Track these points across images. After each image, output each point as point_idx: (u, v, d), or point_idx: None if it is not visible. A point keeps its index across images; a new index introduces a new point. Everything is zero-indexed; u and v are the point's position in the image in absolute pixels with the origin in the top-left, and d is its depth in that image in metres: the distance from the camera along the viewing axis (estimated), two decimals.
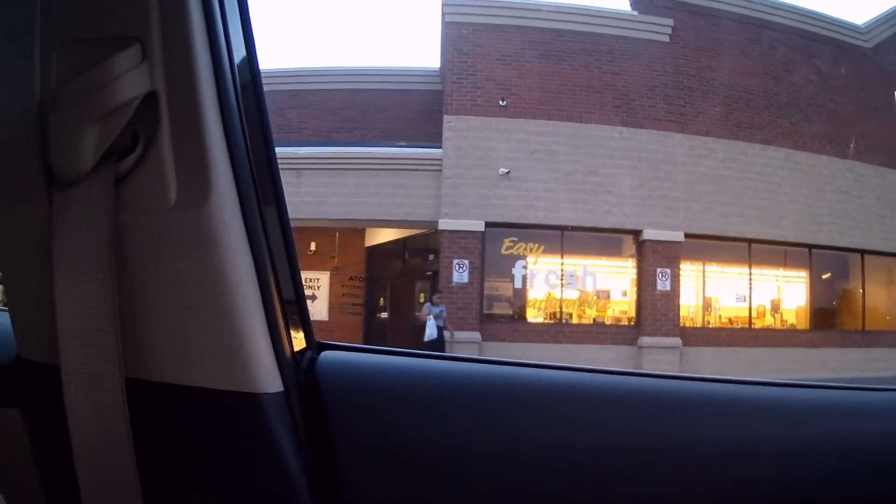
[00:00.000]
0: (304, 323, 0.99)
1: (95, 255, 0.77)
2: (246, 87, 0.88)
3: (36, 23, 0.79)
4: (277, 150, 0.94)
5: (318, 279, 17.11)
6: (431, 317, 14.47)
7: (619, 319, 16.55)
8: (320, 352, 1.01)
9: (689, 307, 16.82)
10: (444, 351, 13.75)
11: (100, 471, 0.79)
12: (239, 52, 0.87)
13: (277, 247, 0.91)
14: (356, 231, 17.43)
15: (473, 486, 0.94)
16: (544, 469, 0.95)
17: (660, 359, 15.27)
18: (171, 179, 0.80)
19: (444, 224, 15.36)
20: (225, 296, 0.82)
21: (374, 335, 17.68)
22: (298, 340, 0.97)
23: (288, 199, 0.94)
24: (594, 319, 16.35)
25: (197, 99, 0.80)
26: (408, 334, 17.05)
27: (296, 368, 0.94)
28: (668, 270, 15.85)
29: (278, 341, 0.88)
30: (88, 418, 0.78)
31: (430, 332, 14.39)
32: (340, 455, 0.92)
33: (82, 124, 0.76)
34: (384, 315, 18.28)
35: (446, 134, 15.71)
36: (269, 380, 0.86)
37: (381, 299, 18.47)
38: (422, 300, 17.51)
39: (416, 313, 16.16)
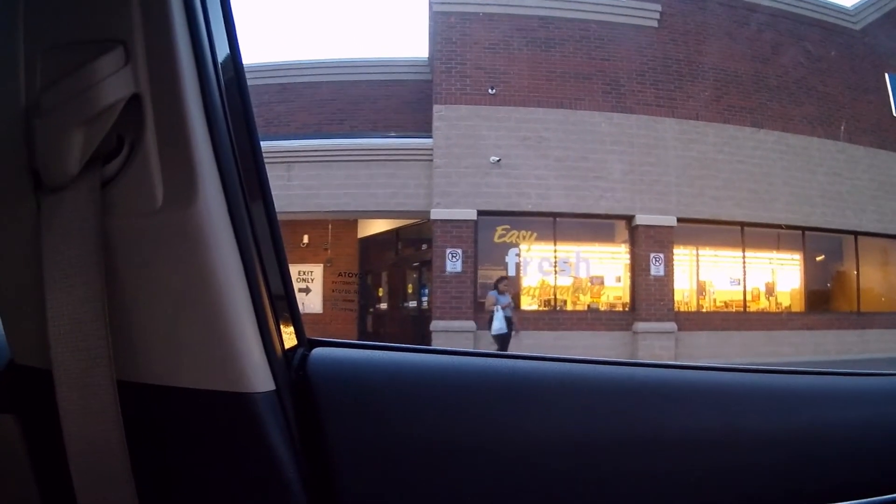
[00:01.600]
0: (295, 320, 0.99)
1: (84, 258, 0.77)
2: (230, 86, 0.88)
3: (19, 27, 0.79)
4: (267, 144, 0.94)
5: (311, 272, 17.06)
6: (499, 307, 12.50)
7: (613, 305, 16.50)
8: (311, 348, 1.01)
9: (684, 292, 16.78)
10: (508, 347, 12.30)
11: (94, 474, 0.79)
12: (223, 52, 0.87)
13: (266, 245, 0.91)
14: (349, 223, 17.38)
15: (469, 481, 0.94)
16: (541, 462, 0.95)
17: (655, 344, 15.25)
18: (158, 181, 0.80)
19: (437, 213, 15.28)
20: (214, 295, 0.83)
21: (370, 326, 17.67)
22: (289, 338, 0.97)
23: (279, 192, 0.94)
24: (588, 306, 16.28)
25: (181, 100, 0.80)
26: (403, 324, 17.05)
27: (287, 366, 0.94)
28: (662, 255, 15.81)
29: (269, 340, 0.87)
30: (82, 422, 0.78)
31: (499, 325, 12.36)
32: (334, 452, 0.92)
33: (68, 128, 0.76)
34: (382, 306, 18.22)
35: (436, 123, 15.65)
36: (260, 379, 0.86)
37: (380, 290, 18.42)
38: (410, 290, 17.46)
39: (422, 304, 15.80)
